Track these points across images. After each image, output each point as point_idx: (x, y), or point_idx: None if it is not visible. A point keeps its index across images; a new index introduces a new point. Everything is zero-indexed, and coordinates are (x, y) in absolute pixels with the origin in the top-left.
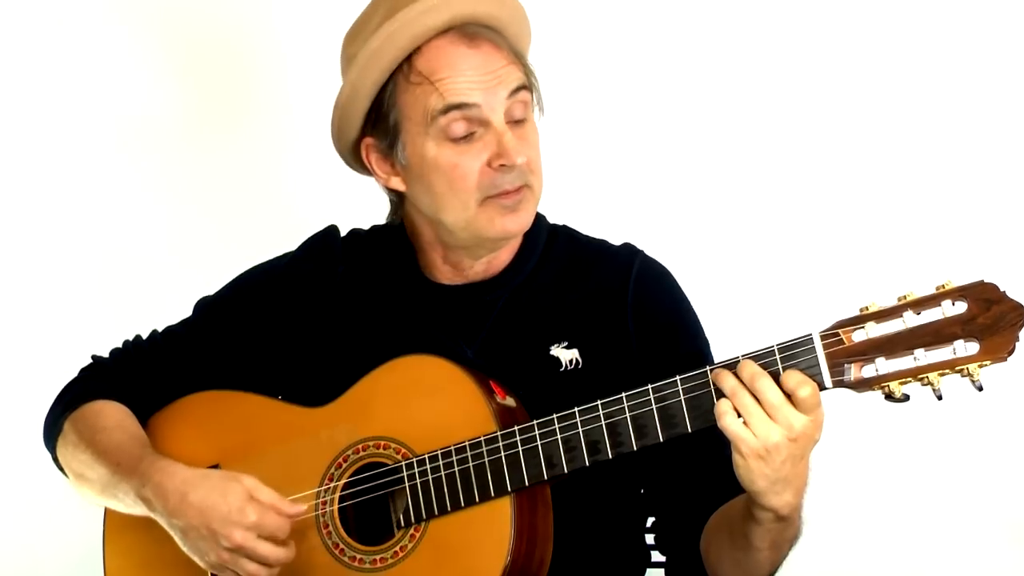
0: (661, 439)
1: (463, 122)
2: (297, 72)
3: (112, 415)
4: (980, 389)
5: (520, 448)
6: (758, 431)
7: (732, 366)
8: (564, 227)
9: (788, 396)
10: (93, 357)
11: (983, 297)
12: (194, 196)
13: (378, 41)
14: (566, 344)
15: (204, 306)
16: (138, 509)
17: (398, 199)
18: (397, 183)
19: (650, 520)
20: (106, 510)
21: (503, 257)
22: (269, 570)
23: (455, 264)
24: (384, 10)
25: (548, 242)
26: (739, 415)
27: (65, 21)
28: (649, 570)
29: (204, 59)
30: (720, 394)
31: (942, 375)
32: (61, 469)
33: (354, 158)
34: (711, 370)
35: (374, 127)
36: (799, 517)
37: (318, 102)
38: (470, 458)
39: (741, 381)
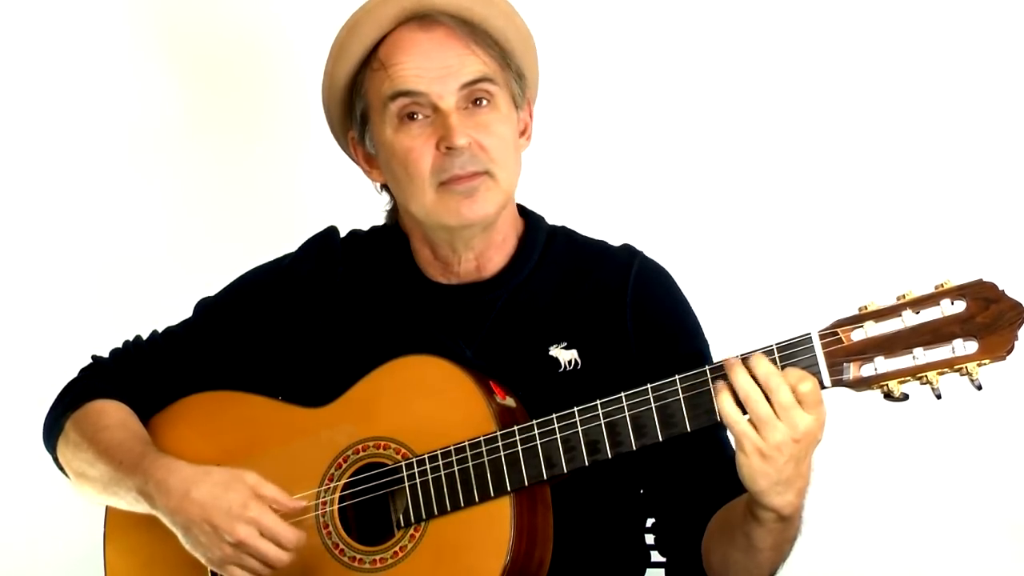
0: (660, 439)
1: (414, 107)
2: (300, 75)
3: (114, 414)
4: (979, 388)
5: (519, 448)
6: (763, 431)
7: None
8: (563, 228)
9: None
10: (93, 357)
11: (982, 296)
12: (194, 197)
13: (344, 32)
14: (565, 344)
15: (204, 307)
16: (140, 507)
17: (392, 197)
18: (378, 175)
19: (650, 520)
20: (107, 509)
21: (496, 258)
22: (271, 568)
23: (444, 261)
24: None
25: (547, 243)
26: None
27: (70, 21)
28: (649, 570)
29: (204, 61)
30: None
31: (941, 374)
32: (61, 469)
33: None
34: (710, 370)
35: (351, 120)
36: (800, 517)
37: (318, 103)
38: (470, 458)
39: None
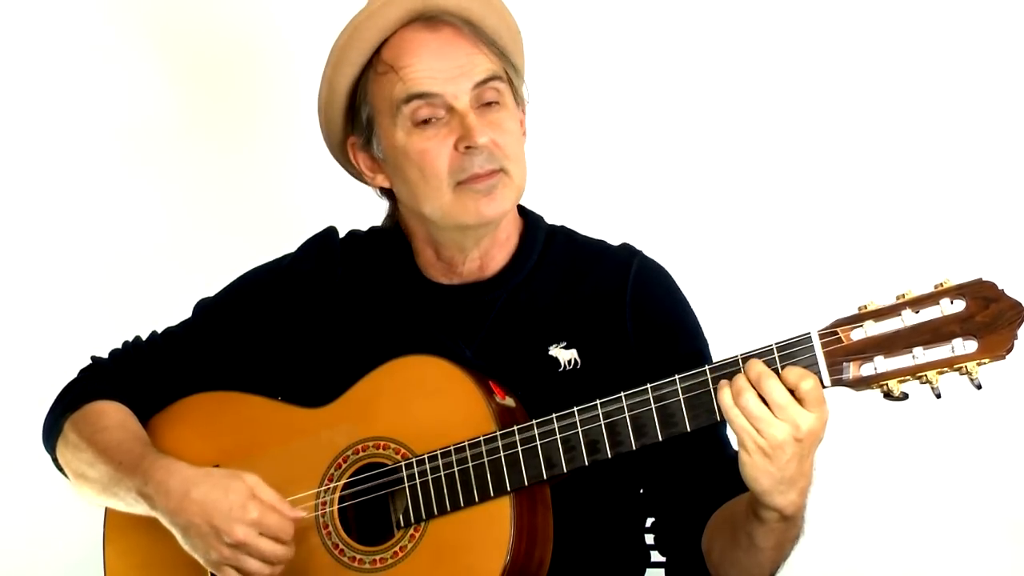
0: (660, 438)
1: (427, 108)
2: (297, 74)
3: (113, 415)
4: (979, 387)
5: (519, 448)
6: (764, 430)
7: (731, 365)
8: (562, 227)
9: (791, 392)
10: (92, 358)
11: (981, 295)
12: (194, 197)
13: (345, 36)
14: (565, 344)
15: (204, 308)
16: (139, 507)
17: (392, 201)
18: (382, 180)
19: (650, 520)
20: (106, 511)
21: (498, 257)
22: (270, 568)
23: (448, 261)
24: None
25: (546, 242)
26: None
27: (67, 22)
28: (649, 570)
29: (203, 61)
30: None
31: (941, 373)
32: (61, 470)
33: (346, 160)
34: (710, 369)
35: (354, 125)
36: (803, 517)
37: (316, 102)
38: (469, 458)
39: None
